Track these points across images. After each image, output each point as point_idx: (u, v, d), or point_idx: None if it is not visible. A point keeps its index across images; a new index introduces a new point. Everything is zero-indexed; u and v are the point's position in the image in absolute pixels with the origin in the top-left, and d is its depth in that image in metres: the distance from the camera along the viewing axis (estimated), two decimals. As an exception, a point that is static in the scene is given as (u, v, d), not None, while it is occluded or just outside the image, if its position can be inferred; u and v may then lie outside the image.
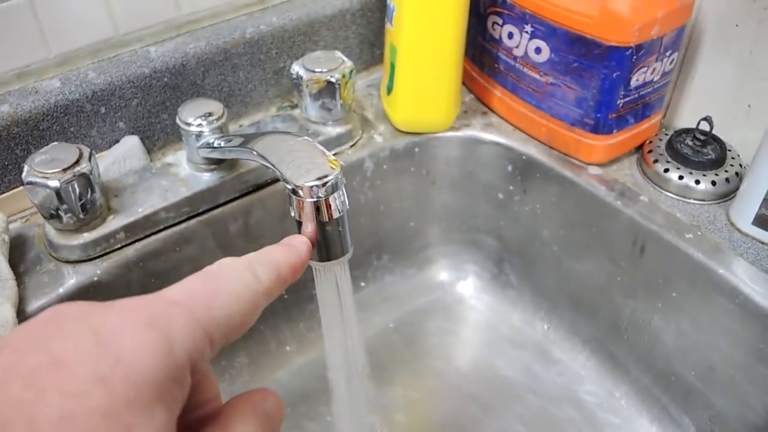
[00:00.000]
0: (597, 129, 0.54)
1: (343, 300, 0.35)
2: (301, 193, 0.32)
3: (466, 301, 0.68)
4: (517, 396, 0.60)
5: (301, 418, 0.58)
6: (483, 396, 0.60)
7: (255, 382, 0.60)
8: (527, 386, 0.61)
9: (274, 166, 0.34)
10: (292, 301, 0.62)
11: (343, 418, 0.45)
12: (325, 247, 0.33)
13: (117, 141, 0.54)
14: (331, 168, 0.32)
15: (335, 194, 0.32)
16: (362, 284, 0.67)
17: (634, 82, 0.52)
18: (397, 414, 0.59)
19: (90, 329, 0.20)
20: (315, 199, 0.32)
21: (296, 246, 0.30)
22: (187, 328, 0.21)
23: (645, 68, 0.52)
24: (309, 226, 0.33)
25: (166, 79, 0.54)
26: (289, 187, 0.32)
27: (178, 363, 0.20)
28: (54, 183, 0.44)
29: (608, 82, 0.51)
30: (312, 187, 0.32)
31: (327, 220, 0.32)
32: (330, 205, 0.32)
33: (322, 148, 0.34)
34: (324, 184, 0.32)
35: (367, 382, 0.40)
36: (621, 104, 0.53)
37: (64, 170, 0.44)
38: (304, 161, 0.33)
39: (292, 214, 0.33)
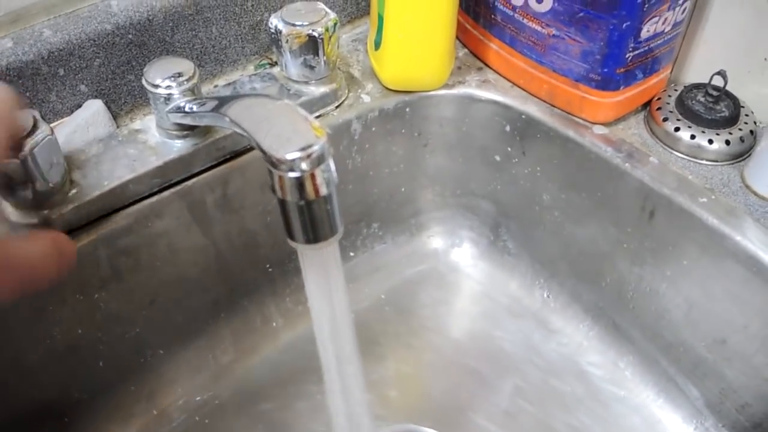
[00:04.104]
0: (603, 85, 0.50)
1: (333, 286, 0.31)
2: (281, 166, 0.28)
3: (461, 269, 0.65)
4: (516, 368, 0.57)
5: (290, 398, 0.55)
6: (480, 369, 0.58)
7: (240, 362, 0.57)
8: (527, 358, 0.58)
9: (250, 135, 0.29)
10: (276, 273, 0.58)
11: (334, 396, 0.42)
12: (311, 228, 0.29)
13: (79, 106, 0.49)
14: (316, 136, 0.28)
15: (321, 167, 0.28)
16: (351, 254, 0.63)
17: (644, 34, 0.48)
18: (391, 390, 0.57)
19: None
20: (298, 174, 0.28)
21: None
22: None
23: (656, 18, 0.48)
24: None
25: (130, 36, 0.49)
26: (268, 160, 0.28)
27: None
28: (6, 155, 0.39)
29: (617, 34, 0.47)
30: (294, 159, 0.27)
31: (313, 197, 0.28)
32: (316, 180, 0.28)
33: (304, 113, 0.30)
34: (308, 156, 0.27)
35: (359, 374, 0.36)
36: (630, 58, 0.49)
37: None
38: (284, 129, 0.28)
39: (273, 192, 0.29)
